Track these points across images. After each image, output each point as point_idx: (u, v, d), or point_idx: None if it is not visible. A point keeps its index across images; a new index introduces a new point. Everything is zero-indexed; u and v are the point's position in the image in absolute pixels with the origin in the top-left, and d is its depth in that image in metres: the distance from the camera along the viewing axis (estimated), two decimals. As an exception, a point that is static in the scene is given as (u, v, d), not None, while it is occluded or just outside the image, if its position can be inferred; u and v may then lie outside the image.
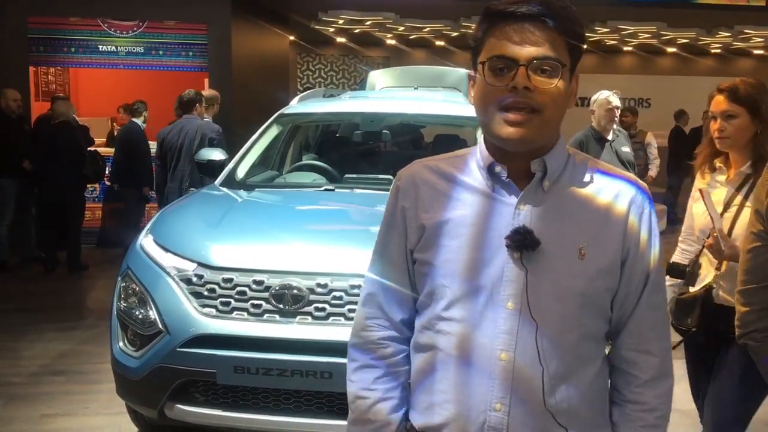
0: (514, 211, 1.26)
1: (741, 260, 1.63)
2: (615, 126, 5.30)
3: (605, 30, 11.45)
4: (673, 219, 10.53)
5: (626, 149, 5.23)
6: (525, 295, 1.23)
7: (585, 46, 1.29)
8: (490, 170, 1.29)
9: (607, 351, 1.37)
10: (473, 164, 1.33)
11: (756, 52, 13.86)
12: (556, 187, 1.28)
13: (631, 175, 1.35)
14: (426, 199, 1.33)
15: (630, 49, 13.76)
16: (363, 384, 1.38)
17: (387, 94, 5.64)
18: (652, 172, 7.48)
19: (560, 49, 1.22)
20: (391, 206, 1.39)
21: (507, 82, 1.21)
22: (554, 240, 1.25)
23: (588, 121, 5.34)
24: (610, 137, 5.19)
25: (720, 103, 2.49)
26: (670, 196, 10.61)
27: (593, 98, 5.27)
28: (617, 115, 5.20)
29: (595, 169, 1.32)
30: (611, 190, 1.29)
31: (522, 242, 1.23)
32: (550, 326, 1.24)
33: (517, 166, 1.28)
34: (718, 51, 13.74)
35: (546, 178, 1.27)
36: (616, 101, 5.16)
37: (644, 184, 1.35)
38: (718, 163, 2.57)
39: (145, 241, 3.34)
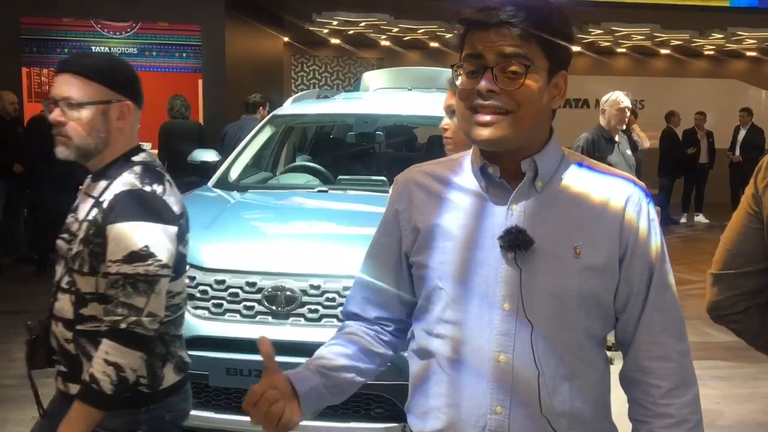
0: (506, 212, 1.26)
1: (726, 240, 1.54)
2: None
3: (599, 31, 11.48)
4: (667, 220, 10.59)
5: (629, 152, 5.19)
6: (520, 296, 1.22)
7: (575, 47, 1.28)
8: (482, 171, 1.29)
9: (609, 355, 1.35)
10: (467, 166, 1.33)
11: (749, 53, 13.92)
12: (550, 186, 1.27)
13: (628, 174, 1.33)
14: (420, 202, 1.33)
15: (624, 50, 13.80)
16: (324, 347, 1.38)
17: (381, 95, 5.64)
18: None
19: (530, 50, 1.21)
20: (387, 210, 1.40)
21: (475, 85, 1.22)
22: (548, 239, 1.23)
23: (586, 122, 5.30)
24: (617, 139, 5.11)
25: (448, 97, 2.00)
26: (662, 197, 10.64)
27: (604, 98, 5.21)
28: (627, 115, 5.10)
29: (590, 168, 1.31)
30: (607, 189, 1.28)
31: (514, 242, 1.22)
32: (547, 326, 1.22)
33: (509, 166, 1.27)
34: (712, 53, 13.80)
35: (538, 178, 1.26)
36: (627, 102, 5.09)
37: (641, 183, 1.32)
38: None
39: (138, 242, 3.33)
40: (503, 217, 1.26)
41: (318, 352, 1.36)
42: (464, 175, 1.32)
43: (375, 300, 1.39)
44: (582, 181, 1.28)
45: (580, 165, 1.31)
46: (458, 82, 1.25)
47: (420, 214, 1.32)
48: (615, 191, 1.27)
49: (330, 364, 1.33)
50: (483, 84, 1.20)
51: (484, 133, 1.22)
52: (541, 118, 1.26)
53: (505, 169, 1.27)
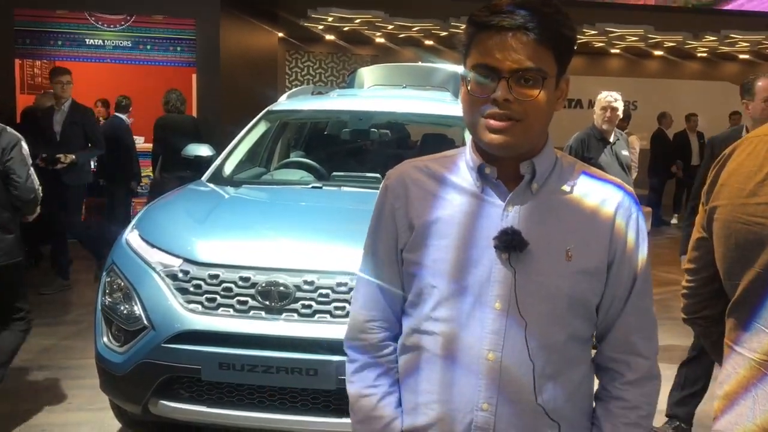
0: (502, 213, 1.27)
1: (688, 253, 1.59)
2: (616, 128, 5.10)
3: (593, 32, 11.52)
4: (657, 221, 10.64)
5: (625, 152, 5.07)
6: (513, 296, 1.24)
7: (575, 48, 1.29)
8: (479, 171, 1.30)
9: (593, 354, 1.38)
10: (462, 165, 1.34)
11: (741, 56, 14.00)
12: (545, 189, 1.29)
13: (618, 180, 1.36)
14: (415, 198, 1.34)
15: (617, 51, 13.85)
16: (366, 382, 1.38)
17: (375, 92, 5.64)
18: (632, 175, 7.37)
19: (544, 59, 1.21)
20: (380, 205, 1.39)
21: (489, 92, 1.21)
22: (542, 241, 1.25)
23: (579, 122, 5.25)
24: (611, 139, 5.01)
25: None
26: (653, 197, 10.71)
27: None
28: (610, 115, 4.96)
29: (582, 173, 1.33)
30: (598, 194, 1.30)
31: (510, 243, 1.23)
32: (537, 326, 1.25)
33: (506, 167, 1.29)
34: (705, 55, 13.87)
35: (534, 180, 1.28)
36: (613, 102, 4.98)
37: (631, 189, 1.36)
38: None
39: (131, 236, 3.33)
40: (499, 218, 1.27)
41: (387, 408, 1.37)
42: (460, 173, 1.33)
43: (393, 301, 1.39)
44: (575, 185, 1.30)
45: (573, 168, 1.33)
46: (468, 87, 1.24)
47: (415, 211, 1.32)
48: (607, 197, 1.30)
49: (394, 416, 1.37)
50: (499, 93, 1.20)
51: (497, 139, 1.23)
52: (547, 123, 1.28)
53: (502, 171, 1.29)
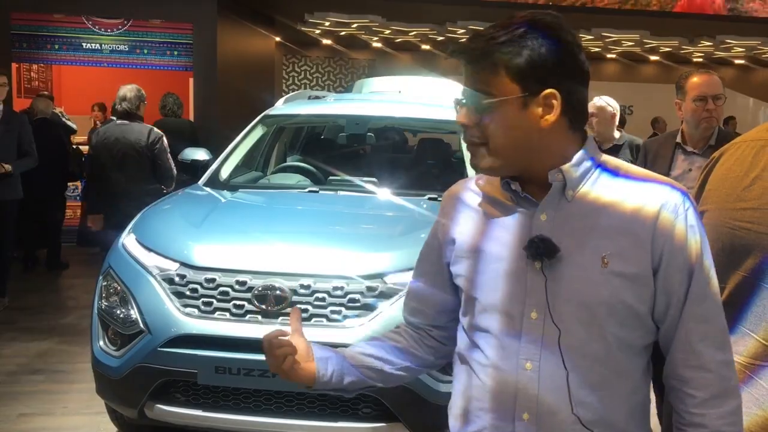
0: (534, 221, 1.26)
1: None
2: (618, 134, 4.94)
3: (589, 37, 11.55)
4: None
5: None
6: (546, 304, 1.23)
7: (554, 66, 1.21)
8: (508, 186, 1.29)
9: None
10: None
11: (737, 61, 14.06)
12: (582, 195, 1.25)
13: (668, 179, 1.28)
14: (458, 213, 1.38)
15: (613, 56, 13.89)
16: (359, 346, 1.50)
17: (372, 96, 5.65)
18: None
19: (493, 79, 1.21)
20: (434, 222, 1.47)
21: None
22: (576, 248, 1.22)
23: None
24: (604, 147, 4.82)
25: None
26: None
27: None
28: (593, 120, 4.80)
29: (626, 176, 1.27)
30: (641, 195, 1.24)
31: (538, 250, 1.21)
32: (574, 335, 1.22)
33: (536, 178, 1.27)
34: (701, 60, 13.92)
35: (568, 187, 1.25)
36: (590, 107, 4.75)
37: (683, 187, 1.26)
38: None
39: (128, 240, 3.33)
40: (530, 227, 1.26)
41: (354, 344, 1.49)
42: (499, 187, 1.33)
43: (420, 307, 1.49)
44: (616, 189, 1.25)
45: (617, 173, 1.27)
46: None
47: (457, 225, 1.37)
48: (650, 198, 1.23)
49: (356, 350, 1.45)
50: (458, 118, 1.28)
51: (473, 162, 1.30)
52: (527, 141, 1.23)
53: (533, 181, 1.27)
